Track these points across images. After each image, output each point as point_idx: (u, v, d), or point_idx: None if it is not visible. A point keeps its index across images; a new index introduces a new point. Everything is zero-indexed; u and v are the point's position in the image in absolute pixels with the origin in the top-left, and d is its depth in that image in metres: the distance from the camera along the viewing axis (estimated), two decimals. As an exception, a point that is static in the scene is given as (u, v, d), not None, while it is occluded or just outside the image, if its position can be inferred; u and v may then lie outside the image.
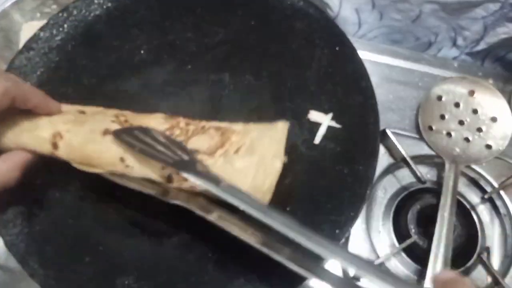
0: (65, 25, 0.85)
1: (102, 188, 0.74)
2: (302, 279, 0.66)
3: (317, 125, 0.79)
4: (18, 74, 0.80)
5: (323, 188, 0.74)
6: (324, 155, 0.77)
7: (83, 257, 0.69)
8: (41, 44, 0.83)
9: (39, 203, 0.72)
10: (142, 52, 0.85)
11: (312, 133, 0.79)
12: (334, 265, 0.77)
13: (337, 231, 0.70)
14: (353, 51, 0.83)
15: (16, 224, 0.70)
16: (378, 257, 0.76)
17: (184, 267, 0.69)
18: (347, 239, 0.77)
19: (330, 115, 0.79)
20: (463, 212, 0.83)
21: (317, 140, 0.78)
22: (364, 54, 0.89)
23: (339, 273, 0.77)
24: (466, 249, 0.81)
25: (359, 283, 0.74)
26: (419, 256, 0.80)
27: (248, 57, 0.85)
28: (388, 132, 0.83)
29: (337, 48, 0.84)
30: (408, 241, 0.77)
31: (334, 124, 0.79)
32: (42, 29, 0.84)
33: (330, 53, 0.84)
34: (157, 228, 0.72)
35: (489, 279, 0.79)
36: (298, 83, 0.83)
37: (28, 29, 1.02)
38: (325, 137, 0.78)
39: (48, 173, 0.74)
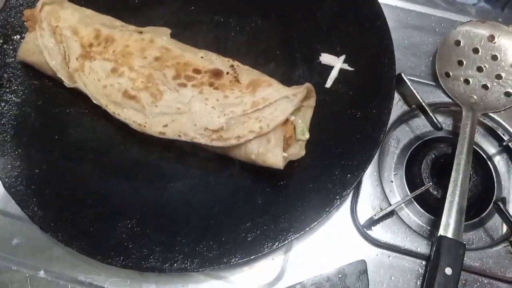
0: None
1: (104, 130, 0.71)
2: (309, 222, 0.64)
3: (328, 68, 0.75)
4: (13, 13, 0.76)
5: (334, 132, 0.71)
6: (336, 99, 0.73)
7: (83, 200, 0.67)
8: None
9: (37, 144, 0.69)
10: (143, -9, 0.81)
11: (323, 77, 0.75)
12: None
13: (348, 176, 0.67)
14: (367, -11, 0.78)
15: (15, 166, 0.68)
16: (390, 204, 0.73)
17: (187, 211, 0.66)
18: (358, 187, 0.74)
19: (343, 57, 0.75)
20: (479, 162, 0.80)
21: (329, 83, 0.74)
22: (378, -2, 0.84)
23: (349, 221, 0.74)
24: (482, 199, 0.78)
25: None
26: (432, 205, 0.77)
27: (255, -3, 0.80)
28: (404, 76, 0.78)
29: (350, -14, 0.79)
30: (422, 188, 0.74)
31: (346, 67, 0.75)
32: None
33: (343, -8, 0.79)
34: (161, 173, 0.69)
35: (504, 229, 0.76)
36: (309, 24, 0.78)
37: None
38: (337, 80, 0.74)
39: (45, 113, 0.71)
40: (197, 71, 0.69)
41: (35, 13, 0.72)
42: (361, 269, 0.71)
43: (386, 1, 0.89)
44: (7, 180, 0.66)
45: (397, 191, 0.79)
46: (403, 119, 0.82)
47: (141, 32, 0.72)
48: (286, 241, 0.63)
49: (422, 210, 0.77)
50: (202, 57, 0.71)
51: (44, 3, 0.72)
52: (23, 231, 0.70)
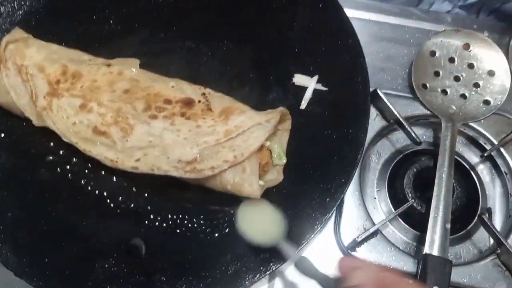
0: (27, -3, 0.79)
1: (77, 167, 0.70)
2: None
3: (303, 89, 0.74)
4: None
5: (311, 155, 0.69)
6: (311, 121, 0.72)
7: (59, 242, 0.65)
8: (1, 19, 0.78)
9: (9, 186, 0.68)
10: (111, 22, 0.79)
11: (298, 98, 0.74)
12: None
13: (327, 199, 0.66)
14: (337, 7, 0.77)
15: (-15, 211, 0.66)
16: (373, 224, 0.72)
17: (164, 247, 0.64)
18: (341, 207, 0.72)
19: (316, 77, 0.74)
20: (462, 173, 0.79)
21: (303, 105, 0.73)
22: (351, 12, 0.83)
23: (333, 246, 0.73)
24: (467, 211, 0.77)
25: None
26: (416, 221, 0.76)
27: (225, 22, 0.79)
28: (379, 92, 0.77)
29: (320, 5, 0.78)
30: (405, 205, 0.73)
31: (320, 87, 0.74)
32: (2, 3, 0.78)
33: (313, 11, 0.78)
34: (136, 208, 0.68)
35: (492, 241, 0.75)
36: (281, 45, 0.77)
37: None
38: (311, 101, 0.73)
39: (16, 153, 0.70)
40: (168, 101, 0.68)
41: (-1, 52, 0.70)
42: (349, 292, 0.69)
43: (359, 15, 0.88)
44: (-22, 226, 0.65)
45: (381, 208, 0.78)
46: (383, 133, 0.81)
47: (109, 65, 0.71)
48: (268, 272, 0.62)
49: (406, 226, 0.76)
50: (173, 86, 0.70)
51: (8, 42, 0.71)
52: (-1, 277, 0.68)
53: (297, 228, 0.64)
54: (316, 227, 0.64)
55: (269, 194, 0.66)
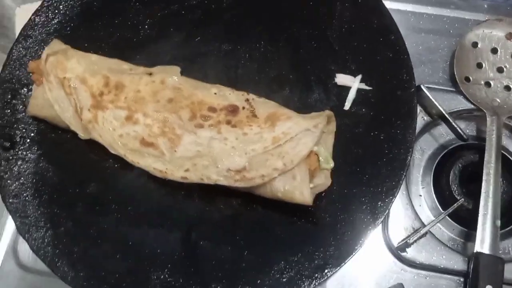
0: (61, 7, 0.79)
1: (124, 178, 0.70)
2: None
3: (345, 89, 0.73)
4: (17, 66, 0.74)
5: (358, 157, 0.69)
6: (356, 122, 0.71)
7: (113, 254, 0.65)
8: (37, 30, 0.77)
9: (59, 201, 0.68)
10: (146, 27, 0.78)
11: (341, 99, 0.73)
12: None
13: (379, 203, 0.65)
14: (377, 1, 0.75)
15: (39, 226, 0.67)
16: (423, 224, 0.71)
17: (218, 255, 0.65)
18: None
19: (359, 77, 0.72)
20: (508, 166, 0.77)
21: (347, 105, 0.72)
22: (386, 4, 0.81)
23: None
24: (514, 206, 0.76)
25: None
26: (463, 217, 0.75)
27: (261, 21, 0.78)
28: (423, 88, 0.76)
29: (359, 0, 0.76)
30: (456, 205, 0.72)
31: (364, 86, 0.72)
32: (36, 13, 0.78)
33: (352, 7, 0.76)
34: (187, 217, 0.68)
35: (541, 236, 0.74)
36: (320, 45, 0.75)
37: (22, 14, 0.96)
38: (355, 101, 0.72)
39: (63, 167, 0.70)
40: (212, 109, 0.67)
41: (40, 66, 0.70)
42: (400, 293, 0.70)
43: (396, 6, 0.86)
44: (33, 242, 0.66)
45: (427, 206, 0.77)
46: (426, 129, 0.80)
47: (150, 74, 0.70)
48: (323, 279, 0.62)
49: (454, 223, 0.75)
50: (215, 93, 0.69)
51: (49, 55, 0.70)
52: (56, 288, 0.69)
53: (349, 233, 0.64)
54: (368, 232, 0.64)
55: (318, 200, 0.66)
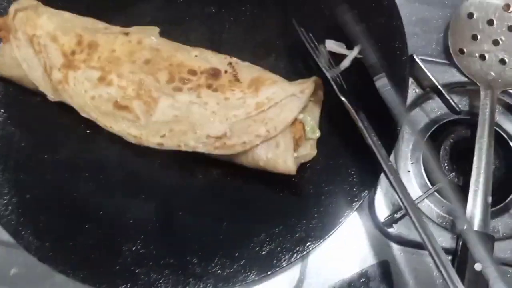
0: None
1: (97, 144, 0.66)
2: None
3: (335, 56, 0.69)
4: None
5: (346, 127, 0.64)
6: (345, 91, 0.67)
7: (81, 224, 0.61)
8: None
9: (25, 166, 0.64)
10: (125, -14, 0.73)
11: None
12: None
13: (366, 174, 0.62)
14: (370, -35, 0.71)
15: (3, 193, 0.62)
16: (411, 199, 0.68)
17: (195, 226, 0.61)
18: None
19: (358, 48, 0.68)
20: (500, 143, 0.74)
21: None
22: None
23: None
24: (505, 183, 0.73)
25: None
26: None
27: (248, -18, 0.73)
28: (416, 58, 0.72)
29: (352, -37, 0.71)
30: (443, 182, 0.69)
31: (355, 54, 0.68)
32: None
33: (343, -30, 0.72)
34: (163, 186, 0.64)
35: (533, 214, 0.72)
36: (310, 9, 0.71)
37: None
38: (345, 69, 0.68)
39: (32, 131, 0.66)
40: (192, 72, 0.63)
41: (7, 21, 0.65)
42: (385, 271, 0.67)
43: (389, -26, 0.82)
44: (-4, 209, 0.61)
45: (416, 181, 0.74)
46: (418, 103, 0.77)
47: (127, 34, 0.65)
48: (305, 252, 0.59)
49: (443, 200, 0.73)
50: (196, 56, 0.65)
51: (17, 10, 0.65)
52: (21, 260, 0.65)
53: (333, 206, 0.61)
54: (354, 204, 0.61)
55: (302, 170, 0.62)
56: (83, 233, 0.61)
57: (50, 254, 0.59)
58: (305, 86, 0.60)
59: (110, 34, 0.65)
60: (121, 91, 0.61)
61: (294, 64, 0.70)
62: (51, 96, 0.64)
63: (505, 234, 0.72)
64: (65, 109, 0.64)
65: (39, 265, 0.63)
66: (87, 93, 0.62)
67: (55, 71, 0.63)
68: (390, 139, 0.63)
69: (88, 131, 0.66)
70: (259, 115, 0.60)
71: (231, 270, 0.58)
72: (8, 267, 0.65)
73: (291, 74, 0.68)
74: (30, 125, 0.66)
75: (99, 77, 0.62)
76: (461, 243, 0.65)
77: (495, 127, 0.73)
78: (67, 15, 0.67)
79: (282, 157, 0.59)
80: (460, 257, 0.65)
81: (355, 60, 0.67)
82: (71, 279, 0.61)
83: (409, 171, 0.75)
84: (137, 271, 0.59)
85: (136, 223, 0.62)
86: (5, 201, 0.62)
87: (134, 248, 0.60)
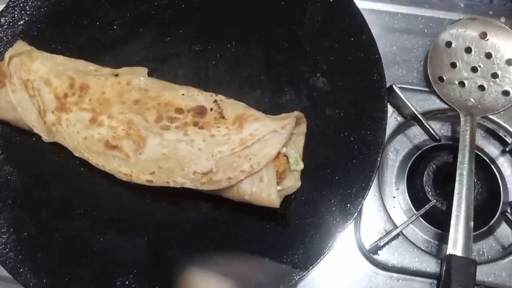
0: (28, 7, 0.77)
1: (90, 182, 0.69)
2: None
3: (316, 89, 0.72)
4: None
5: (329, 159, 0.68)
6: (327, 123, 0.70)
7: (77, 260, 0.64)
8: (3, 31, 0.75)
9: (23, 205, 0.67)
10: (115, 27, 0.77)
11: (312, 99, 0.71)
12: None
13: (348, 205, 0.64)
14: (349, 2, 0.74)
15: (1, 231, 0.65)
16: (395, 226, 0.70)
17: (184, 262, 0.63)
18: (360, 209, 0.71)
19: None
20: (482, 166, 0.77)
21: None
22: (361, 4, 0.80)
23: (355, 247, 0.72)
24: (488, 206, 0.75)
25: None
26: (437, 219, 0.74)
27: (232, 22, 0.77)
28: (396, 88, 0.75)
29: (331, 0, 0.75)
30: (427, 206, 0.71)
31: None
32: (2, 13, 0.76)
33: (323, 7, 0.75)
34: (154, 222, 0.66)
35: (515, 236, 0.73)
36: (291, 45, 0.74)
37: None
38: (326, 102, 0.71)
39: (28, 171, 0.68)
40: (179, 110, 0.66)
41: (3, 67, 0.68)
42: (371, 297, 0.68)
43: (370, 6, 0.85)
44: (-5, 248, 0.64)
45: (401, 207, 0.76)
46: (400, 130, 0.79)
47: (116, 75, 0.69)
48: (291, 283, 0.60)
49: (428, 225, 0.74)
50: (183, 94, 0.68)
51: (12, 56, 0.68)
52: (19, 296, 0.67)
53: (318, 236, 0.63)
54: (337, 234, 0.63)
55: (287, 202, 0.65)
56: (78, 269, 0.63)
57: (47, 290, 0.61)
58: (287, 122, 0.63)
59: (100, 76, 0.68)
60: (112, 131, 0.64)
61: (279, 97, 0.72)
62: (46, 138, 0.67)
63: (490, 256, 0.73)
64: (59, 149, 0.67)
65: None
66: (79, 134, 0.65)
67: (49, 113, 0.66)
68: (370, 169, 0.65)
69: (82, 169, 0.68)
70: (243, 151, 0.62)
71: (220, 301, 0.60)
72: (7, 303, 0.68)
73: (276, 108, 0.70)
74: (26, 165, 0.69)
75: (90, 118, 0.65)
76: (444, 268, 0.67)
77: (477, 151, 0.76)
78: (59, 58, 0.70)
79: (266, 191, 0.61)
80: (444, 282, 0.66)
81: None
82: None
83: (394, 197, 0.77)
84: (130, 304, 0.61)
85: (128, 258, 0.64)
86: (3, 240, 0.64)
87: (127, 282, 0.62)
